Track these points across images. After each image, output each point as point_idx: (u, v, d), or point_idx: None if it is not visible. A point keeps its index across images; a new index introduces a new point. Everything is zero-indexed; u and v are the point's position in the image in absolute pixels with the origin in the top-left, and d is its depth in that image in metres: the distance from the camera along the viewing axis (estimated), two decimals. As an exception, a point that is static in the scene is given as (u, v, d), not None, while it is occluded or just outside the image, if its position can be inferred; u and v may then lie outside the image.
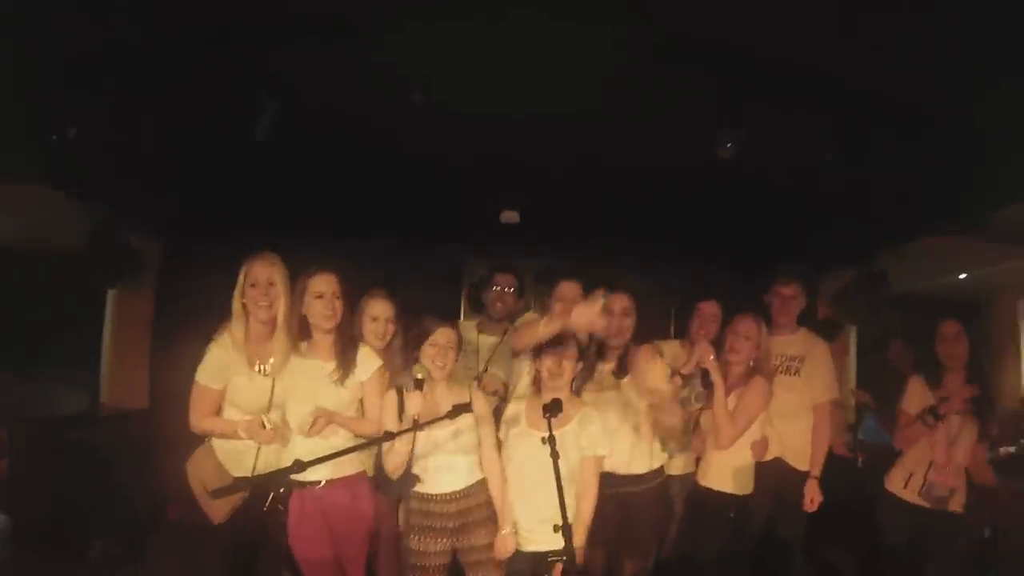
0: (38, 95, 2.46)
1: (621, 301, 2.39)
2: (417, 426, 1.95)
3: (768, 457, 2.67)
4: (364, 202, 3.77)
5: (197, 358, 2.26)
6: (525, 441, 2.12)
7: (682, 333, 2.92)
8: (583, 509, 2.11)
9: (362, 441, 2.05)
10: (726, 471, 2.55)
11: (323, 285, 2.14)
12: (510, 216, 3.93)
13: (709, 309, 2.76)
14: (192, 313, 4.22)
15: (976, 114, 2.36)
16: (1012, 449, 3.33)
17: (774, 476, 2.68)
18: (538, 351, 2.20)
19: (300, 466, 1.58)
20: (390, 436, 1.72)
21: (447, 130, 2.82)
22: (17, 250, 5.30)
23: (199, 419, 2.13)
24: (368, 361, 2.20)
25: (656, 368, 2.27)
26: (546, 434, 1.78)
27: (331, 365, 2.15)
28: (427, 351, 2.15)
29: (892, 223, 3.48)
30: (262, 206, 3.84)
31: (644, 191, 3.50)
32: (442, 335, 2.14)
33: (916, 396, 2.63)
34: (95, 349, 4.38)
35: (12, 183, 3.50)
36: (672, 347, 2.78)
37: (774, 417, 2.69)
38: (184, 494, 3.63)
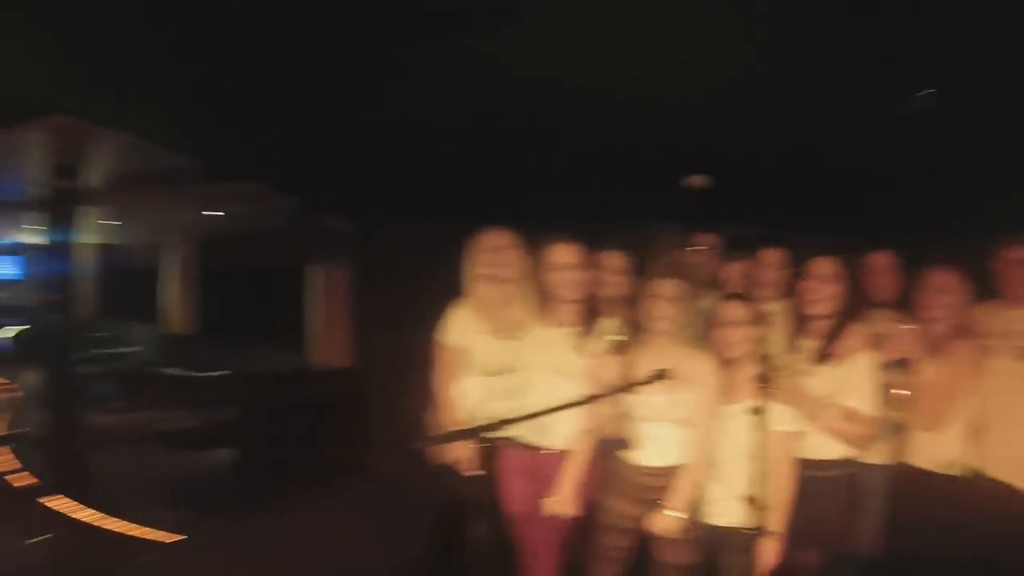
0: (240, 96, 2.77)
1: (826, 265, 2.14)
2: (612, 390, 1.93)
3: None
4: (546, 178, 3.87)
5: (392, 322, 2.42)
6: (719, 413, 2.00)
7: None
8: (783, 488, 1.99)
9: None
10: (937, 449, 2.24)
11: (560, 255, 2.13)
12: (696, 181, 3.70)
13: (880, 261, 2.40)
14: (384, 283, 4.67)
15: None
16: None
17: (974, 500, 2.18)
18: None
19: (498, 424, 1.67)
20: (591, 399, 1.76)
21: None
22: (230, 238, 6.37)
23: (440, 382, 2.23)
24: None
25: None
26: (754, 404, 1.68)
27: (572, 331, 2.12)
28: (646, 305, 2.10)
29: None
30: (442, 190, 4.13)
31: (821, 159, 3.22)
32: (659, 286, 2.08)
33: None
34: (301, 317, 5.11)
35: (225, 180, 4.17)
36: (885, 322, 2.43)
37: (992, 415, 2.22)
38: (380, 443, 4.13)
